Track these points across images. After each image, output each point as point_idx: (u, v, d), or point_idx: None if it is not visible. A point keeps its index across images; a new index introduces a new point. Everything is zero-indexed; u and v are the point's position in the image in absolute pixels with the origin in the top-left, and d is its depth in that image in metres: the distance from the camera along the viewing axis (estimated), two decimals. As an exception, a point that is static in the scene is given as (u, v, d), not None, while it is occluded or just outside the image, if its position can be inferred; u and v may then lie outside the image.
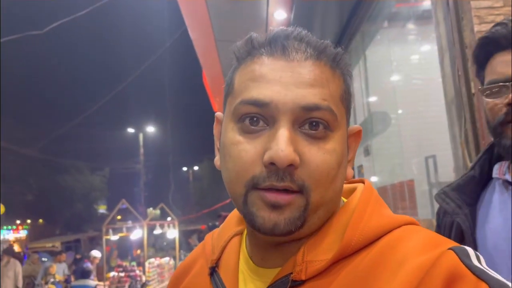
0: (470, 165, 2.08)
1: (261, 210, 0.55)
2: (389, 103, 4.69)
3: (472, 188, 1.15)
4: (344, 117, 0.61)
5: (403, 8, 4.22)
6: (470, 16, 2.06)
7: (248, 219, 0.57)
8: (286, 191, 0.54)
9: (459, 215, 1.11)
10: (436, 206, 3.86)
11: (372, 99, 4.98)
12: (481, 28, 2.04)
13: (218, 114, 0.68)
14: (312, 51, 0.58)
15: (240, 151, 0.56)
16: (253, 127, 0.56)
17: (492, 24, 2.03)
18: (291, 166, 0.53)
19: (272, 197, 0.54)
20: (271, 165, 0.53)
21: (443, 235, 1.14)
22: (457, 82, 2.12)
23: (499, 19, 2.03)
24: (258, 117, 0.56)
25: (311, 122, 0.56)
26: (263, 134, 0.56)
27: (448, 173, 3.37)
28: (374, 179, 4.84)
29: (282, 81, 0.56)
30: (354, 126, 0.65)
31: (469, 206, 1.12)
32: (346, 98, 0.62)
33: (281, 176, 0.53)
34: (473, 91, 2.04)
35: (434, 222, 3.36)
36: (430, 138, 3.99)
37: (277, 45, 0.58)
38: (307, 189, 0.54)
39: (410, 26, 4.31)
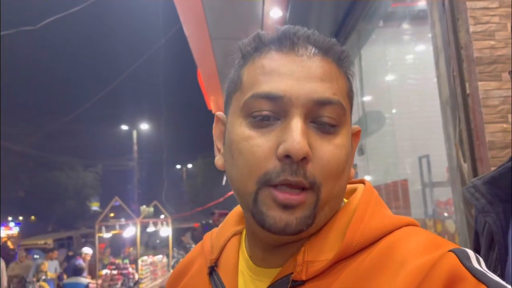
0: (464, 165, 2.10)
1: (272, 209, 0.54)
2: (383, 103, 4.71)
3: (508, 182, 1.00)
4: (350, 114, 0.61)
5: (399, 7, 4.23)
6: (466, 17, 2.07)
7: (258, 218, 0.55)
8: (297, 188, 0.54)
9: (489, 214, 0.97)
10: (429, 205, 3.85)
11: (367, 98, 4.99)
12: (476, 29, 2.04)
13: (219, 113, 0.67)
14: (319, 48, 0.59)
15: (252, 146, 0.55)
16: (264, 121, 0.56)
17: (488, 25, 2.05)
18: (304, 159, 0.53)
19: (285, 198, 0.53)
20: (286, 158, 0.53)
21: (478, 231, 1.04)
22: (452, 82, 2.13)
23: (494, 20, 2.04)
24: (269, 116, 0.56)
25: (322, 121, 0.56)
26: (275, 128, 0.55)
27: (441, 173, 3.39)
28: (368, 178, 4.85)
29: (293, 75, 0.56)
30: (353, 126, 0.65)
31: (503, 203, 0.98)
32: (350, 96, 0.62)
33: (295, 170, 0.53)
34: (468, 91, 2.05)
35: (428, 222, 3.37)
36: (424, 138, 4.00)
37: (286, 41, 0.58)
38: (317, 185, 0.54)
39: (406, 26, 4.32)
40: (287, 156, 0.53)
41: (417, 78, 4.33)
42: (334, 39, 0.61)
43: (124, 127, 31.02)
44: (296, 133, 0.53)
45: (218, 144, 0.66)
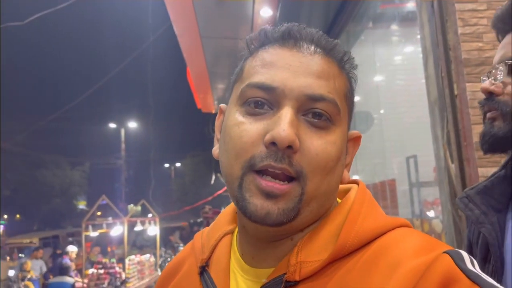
0: (452, 165, 2.11)
1: (255, 197, 0.54)
2: (372, 103, 4.73)
3: (502, 191, 0.96)
4: (346, 116, 0.62)
5: (388, 9, 4.25)
6: (454, 18, 2.08)
7: (241, 205, 0.55)
8: (282, 177, 0.54)
9: (484, 225, 0.93)
10: (416, 205, 3.87)
11: (356, 98, 4.99)
12: (465, 31, 2.06)
13: (222, 105, 0.68)
14: (321, 48, 0.60)
15: (241, 131, 0.56)
16: (257, 109, 0.57)
17: (476, 27, 2.07)
18: (290, 148, 0.53)
19: (268, 186, 0.53)
20: (272, 145, 0.53)
21: (472, 242, 1.01)
22: (440, 83, 2.15)
23: (482, 22, 2.06)
24: (263, 102, 0.57)
25: (314, 112, 0.56)
26: (267, 117, 0.56)
27: (428, 173, 3.42)
28: (356, 178, 4.87)
29: (290, 69, 0.57)
30: (354, 131, 0.65)
31: (497, 213, 0.94)
32: (349, 98, 0.63)
33: (280, 157, 0.53)
34: (456, 92, 2.07)
35: (415, 222, 3.39)
36: (412, 138, 4.03)
37: (290, 37, 0.60)
38: (304, 177, 0.54)
39: (395, 27, 4.34)
40: (273, 144, 0.53)
41: (405, 79, 4.36)
42: (338, 41, 0.62)
43: (112, 125, 30.77)
44: (284, 121, 0.53)
45: (217, 134, 0.67)
